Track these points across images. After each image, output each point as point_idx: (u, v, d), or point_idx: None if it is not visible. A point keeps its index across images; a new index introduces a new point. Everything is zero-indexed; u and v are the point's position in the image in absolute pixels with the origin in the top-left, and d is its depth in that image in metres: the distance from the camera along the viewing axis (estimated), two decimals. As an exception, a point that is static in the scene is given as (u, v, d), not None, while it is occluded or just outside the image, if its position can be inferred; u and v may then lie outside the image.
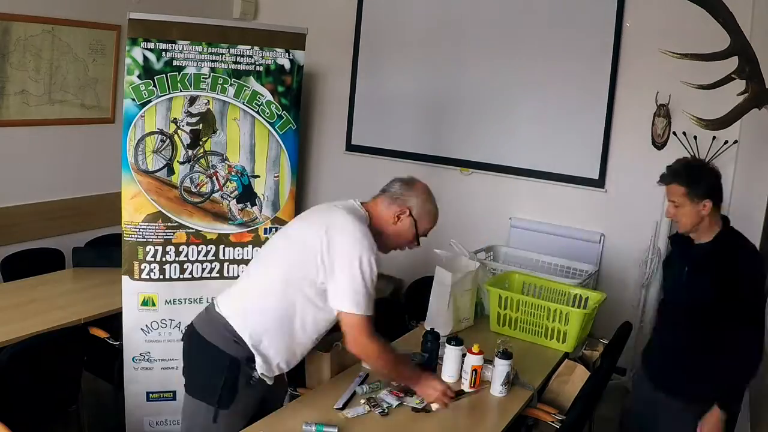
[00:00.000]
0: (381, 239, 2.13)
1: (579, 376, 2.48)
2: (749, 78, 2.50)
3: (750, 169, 3.71)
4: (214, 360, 2.02)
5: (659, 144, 4.00)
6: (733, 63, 2.50)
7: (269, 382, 2.09)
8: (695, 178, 2.21)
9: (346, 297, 1.97)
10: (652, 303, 3.99)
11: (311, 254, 1.99)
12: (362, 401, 2.14)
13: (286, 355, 2.08)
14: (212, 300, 2.17)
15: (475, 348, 2.32)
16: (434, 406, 2.12)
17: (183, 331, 2.25)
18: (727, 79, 2.51)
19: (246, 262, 3.05)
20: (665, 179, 2.27)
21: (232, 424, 2.02)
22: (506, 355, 2.31)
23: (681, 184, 2.20)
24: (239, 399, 2.03)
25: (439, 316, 2.86)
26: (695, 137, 3.79)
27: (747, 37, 2.49)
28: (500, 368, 2.30)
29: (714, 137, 3.71)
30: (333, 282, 1.98)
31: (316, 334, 2.12)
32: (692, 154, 3.82)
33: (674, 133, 3.91)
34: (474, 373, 2.31)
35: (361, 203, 2.24)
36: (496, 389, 2.31)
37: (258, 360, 2.02)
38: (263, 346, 2.02)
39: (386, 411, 2.10)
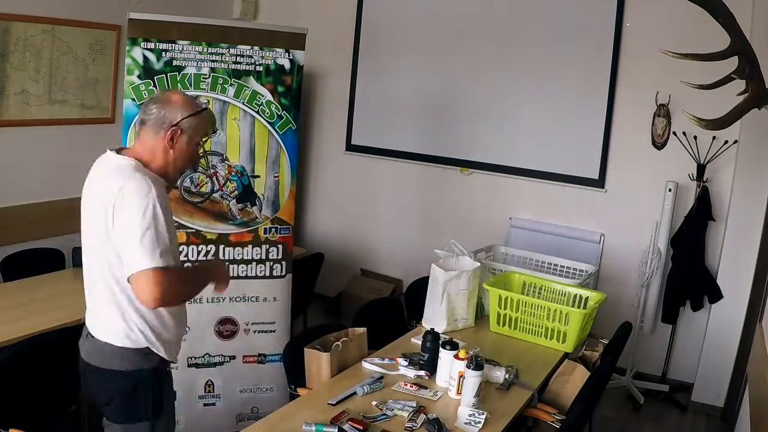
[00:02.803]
0: (168, 171, 1.92)
1: (579, 376, 2.48)
2: (749, 78, 2.50)
3: (750, 169, 3.72)
4: (130, 382, 1.87)
5: (659, 144, 4.01)
6: (733, 63, 2.51)
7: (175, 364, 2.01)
8: None
9: (130, 258, 1.73)
10: (652, 303, 3.99)
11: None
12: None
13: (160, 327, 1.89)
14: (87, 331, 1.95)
15: (462, 353, 2.25)
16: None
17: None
18: (727, 79, 2.51)
19: (246, 261, 3.06)
20: None
21: (167, 420, 1.96)
22: (478, 365, 2.15)
23: None
24: (166, 398, 1.96)
25: (433, 313, 2.89)
26: (695, 137, 3.79)
27: (747, 37, 2.49)
28: (471, 380, 2.15)
29: (714, 137, 3.71)
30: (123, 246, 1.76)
31: None
32: (692, 154, 3.82)
33: (674, 133, 3.91)
34: (461, 379, 2.22)
35: (121, 151, 1.97)
36: (468, 401, 2.15)
37: (162, 349, 1.88)
38: (146, 340, 1.85)
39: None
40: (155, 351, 1.87)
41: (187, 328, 2.89)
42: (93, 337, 1.89)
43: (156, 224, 1.74)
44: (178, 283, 1.81)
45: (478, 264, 3.04)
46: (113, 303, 1.84)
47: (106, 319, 1.86)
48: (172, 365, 2.00)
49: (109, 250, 1.79)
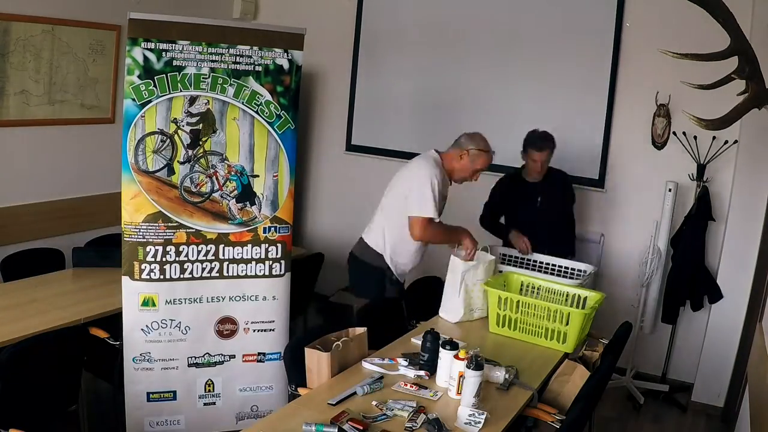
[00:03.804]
0: (453, 174, 3.18)
1: (579, 376, 2.48)
2: (749, 78, 2.50)
3: (750, 169, 3.72)
4: (365, 270, 3.26)
5: (659, 144, 4.01)
6: (733, 63, 2.51)
7: (401, 281, 3.31)
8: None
9: (415, 205, 3.02)
10: (652, 303, 3.99)
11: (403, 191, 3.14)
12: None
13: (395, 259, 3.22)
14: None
15: (462, 353, 2.25)
16: (462, 253, 3.01)
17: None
18: (727, 79, 2.51)
19: (246, 261, 3.06)
20: (546, 146, 3.61)
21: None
22: (478, 365, 2.16)
23: (551, 148, 3.60)
24: (388, 293, 3.25)
25: (450, 303, 3.03)
26: (695, 137, 3.80)
27: (747, 37, 2.49)
28: (471, 380, 2.16)
29: (714, 137, 3.71)
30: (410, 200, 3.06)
31: (408, 241, 3.16)
32: (692, 153, 3.83)
33: (674, 133, 3.91)
34: (461, 379, 2.21)
35: (438, 152, 3.20)
36: (468, 402, 2.15)
37: (393, 267, 3.22)
38: (387, 255, 3.21)
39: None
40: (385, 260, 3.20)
41: (188, 327, 2.93)
42: (362, 239, 3.29)
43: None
44: (439, 231, 3.09)
45: (493, 257, 3.14)
46: (390, 225, 3.19)
47: (378, 233, 3.23)
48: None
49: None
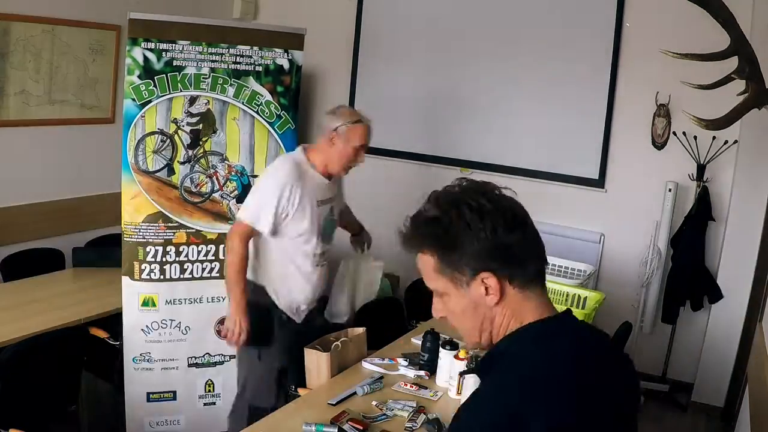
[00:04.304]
0: (331, 166, 2.55)
1: (579, 376, 2.47)
2: (749, 78, 2.50)
3: (750, 169, 3.72)
4: (253, 309, 2.47)
5: (659, 144, 4.00)
6: (733, 63, 2.51)
7: (297, 321, 2.58)
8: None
9: (242, 207, 2.50)
10: (652, 303, 3.99)
11: None
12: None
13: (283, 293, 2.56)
14: None
15: (462, 353, 2.25)
16: (222, 330, 2.47)
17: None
18: (727, 79, 2.51)
19: (246, 262, 3.06)
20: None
21: (271, 363, 2.53)
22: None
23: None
24: (276, 341, 2.54)
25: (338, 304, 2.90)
26: (695, 137, 3.79)
27: (747, 37, 2.49)
28: (471, 380, 2.15)
29: (714, 137, 3.71)
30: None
31: (290, 263, 2.56)
32: (692, 153, 3.82)
33: (674, 133, 3.91)
34: (461, 379, 2.21)
35: (305, 147, 2.61)
36: None
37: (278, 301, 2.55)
38: (272, 290, 2.54)
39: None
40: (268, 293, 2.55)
41: (188, 327, 2.93)
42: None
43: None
44: (237, 260, 2.44)
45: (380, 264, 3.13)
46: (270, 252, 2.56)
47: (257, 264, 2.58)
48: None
49: None
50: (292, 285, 2.55)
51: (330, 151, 2.51)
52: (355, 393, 2.22)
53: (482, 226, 1.05)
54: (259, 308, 2.49)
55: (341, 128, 2.47)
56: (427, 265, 1.11)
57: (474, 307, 1.09)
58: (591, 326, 1.21)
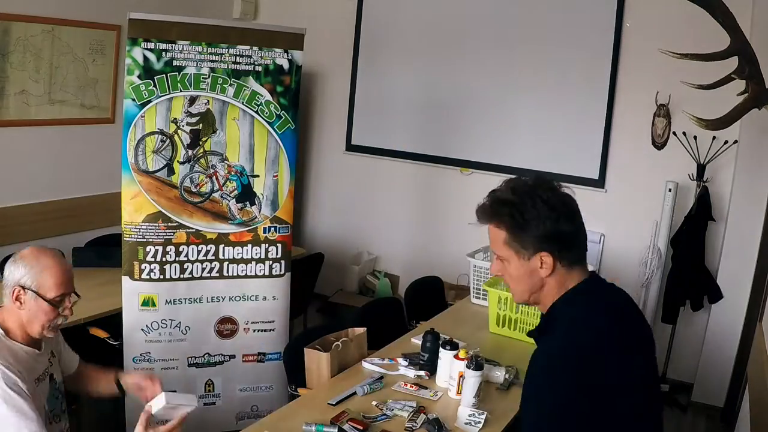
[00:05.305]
0: (29, 330, 1.82)
1: (579, 376, 2.47)
2: (749, 78, 2.51)
3: (750, 169, 3.72)
4: None
5: (659, 144, 4.01)
6: (733, 63, 2.51)
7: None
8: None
9: None
10: (652, 303, 3.99)
11: None
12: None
13: None
14: None
15: (462, 353, 2.25)
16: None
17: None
18: (727, 79, 2.51)
19: (245, 261, 3.06)
20: None
21: None
22: (478, 365, 2.15)
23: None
24: None
25: None
26: (695, 137, 3.79)
27: (747, 37, 2.49)
28: (471, 380, 2.15)
29: (714, 137, 3.71)
30: None
31: None
32: (692, 153, 3.82)
33: (674, 133, 3.91)
34: (461, 379, 2.22)
35: None
36: (468, 402, 2.14)
37: None
38: None
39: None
40: None
41: (188, 327, 2.93)
42: None
43: None
44: None
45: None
46: None
47: None
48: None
49: None
50: None
51: (22, 315, 1.79)
52: (355, 393, 2.22)
53: (548, 215, 1.36)
54: None
55: (28, 281, 1.78)
56: (498, 236, 1.43)
57: (529, 275, 1.42)
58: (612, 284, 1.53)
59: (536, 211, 1.36)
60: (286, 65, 3.05)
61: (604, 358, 1.34)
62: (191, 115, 2.91)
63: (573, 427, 1.30)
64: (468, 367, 2.16)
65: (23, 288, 1.77)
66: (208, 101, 2.93)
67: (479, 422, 2.06)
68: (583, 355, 1.32)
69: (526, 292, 1.46)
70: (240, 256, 3.05)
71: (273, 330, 3.15)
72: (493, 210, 1.42)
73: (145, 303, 2.91)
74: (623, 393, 1.33)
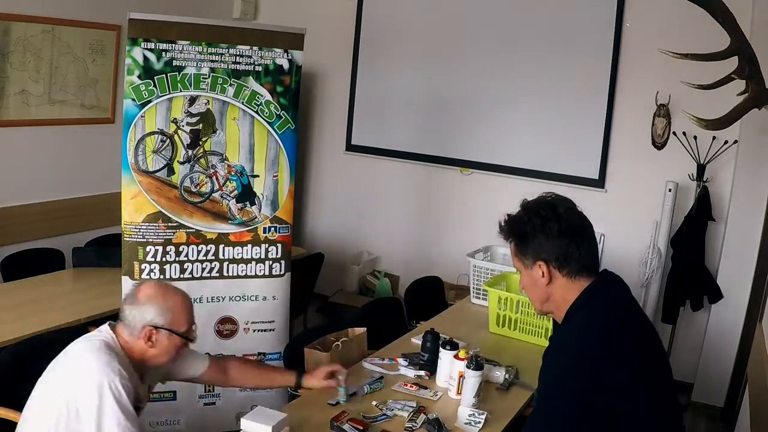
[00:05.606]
0: (150, 363, 1.86)
1: (579, 376, 2.47)
2: (749, 78, 2.50)
3: (750, 169, 3.72)
4: None
5: (659, 144, 4.00)
6: (733, 63, 2.50)
7: None
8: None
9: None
10: (652, 303, 3.99)
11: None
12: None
13: None
14: None
15: (462, 353, 2.25)
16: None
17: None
18: (727, 79, 2.51)
19: (245, 261, 3.06)
20: None
21: None
22: (478, 365, 2.15)
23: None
24: None
25: None
26: (695, 137, 3.79)
27: (747, 37, 2.49)
28: (471, 380, 2.15)
29: (714, 137, 3.71)
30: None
31: None
32: (692, 153, 3.82)
33: (674, 133, 3.91)
34: (461, 379, 2.21)
35: (112, 329, 1.84)
36: (468, 402, 2.15)
37: None
38: None
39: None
40: None
41: None
42: None
43: None
44: None
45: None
46: None
47: None
48: None
49: None
50: None
51: (152, 351, 1.82)
52: (355, 393, 2.22)
53: (544, 228, 1.52)
54: None
55: (160, 321, 1.81)
56: (512, 250, 1.61)
57: (535, 284, 1.55)
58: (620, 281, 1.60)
59: (532, 224, 1.53)
60: (286, 65, 3.05)
61: (616, 358, 1.40)
62: (191, 115, 2.91)
63: (588, 428, 1.36)
64: (468, 367, 2.16)
65: (156, 328, 1.80)
66: (208, 101, 2.93)
67: (479, 422, 2.06)
68: (596, 356, 1.39)
69: (537, 301, 1.59)
70: (240, 256, 3.05)
71: (273, 330, 3.15)
72: (505, 226, 1.60)
73: (145, 303, 2.91)
74: (635, 392, 1.39)
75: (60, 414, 1.68)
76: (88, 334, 1.89)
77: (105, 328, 1.85)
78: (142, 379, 1.87)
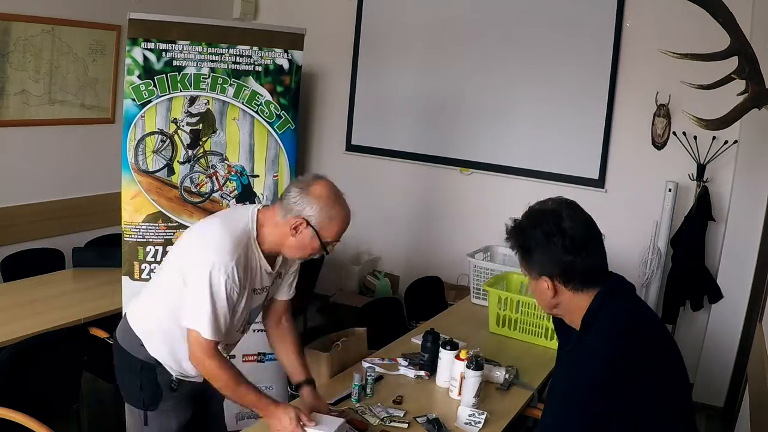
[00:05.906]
0: (283, 250, 1.91)
1: (579, 376, 2.47)
2: (749, 78, 2.50)
3: (750, 169, 3.71)
4: (130, 365, 1.95)
5: (659, 144, 4.00)
6: (733, 63, 2.50)
7: (198, 380, 1.98)
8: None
9: (189, 312, 1.80)
10: (652, 303, 3.99)
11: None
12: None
13: (172, 362, 1.94)
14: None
15: (463, 354, 2.25)
16: None
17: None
18: (727, 79, 2.51)
19: (246, 262, 3.06)
20: None
21: (164, 423, 1.97)
22: (478, 366, 2.16)
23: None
24: (165, 399, 1.96)
25: None
26: (695, 137, 3.79)
27: (747, 37, 2.49)
28: (471, 380, 2.16)
29: (714, 137, 3.71)
30: (185, 294, 1.81)
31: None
32: (692, 153, 3.82)
33: (674, 133, 3.90)
34: (461, 379, 2.22)
35: (259, 210, 1.91)
36: (468, 402, 2.16)
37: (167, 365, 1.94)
38: (153, 349, 1.92)
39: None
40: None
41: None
42: (126, 317, 2.01)
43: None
44: (225, 377, 1.88)
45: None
46: (161, 308, 1.92)
47: (146, 313, 1.97)
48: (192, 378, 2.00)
49: None
50: (190, 368, 1.96)
51: (288, 237, 1.86)
52: (350, 394, 2.21)
53: (548, 245, 1.50)
54: (142, 366, 1.95)
55: (315, 221, 1.85)
56: (518, 258, 1.59)
57: (541, 293, 1.55)
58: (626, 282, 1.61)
59: (536, 239, 1.51)
60: (286, 65, 3.05)
61: (644, 362, 1.45)
62: (191, 115, 2.92)
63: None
64: (468, 367, 2.16)
65: (307, 222, 1.84)
66: (208, 101, 2.93)
67: (479, 422, 2.06)
68: (626, 363, 1.43)
69: (545, 307, 1.61)
70: (240, 256, 3.05)
71: (273, 330, 3.14)
72: (511, 235, 1.59)
73: (145, 303, 2.91)
74: (662, 393, 1.44)
75: (177, 281, 1.83)
76: (230, 211, 2.15)
77: (251, 209, 1.90)
78: (273, 267, 1.93)
